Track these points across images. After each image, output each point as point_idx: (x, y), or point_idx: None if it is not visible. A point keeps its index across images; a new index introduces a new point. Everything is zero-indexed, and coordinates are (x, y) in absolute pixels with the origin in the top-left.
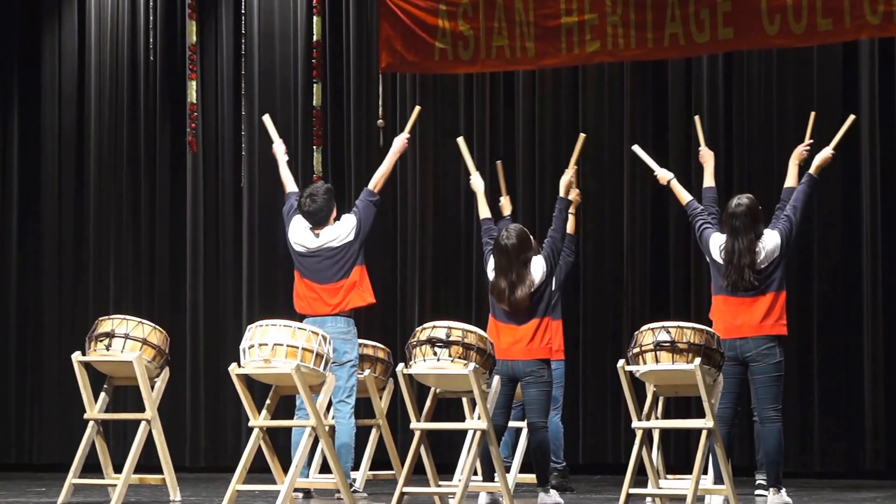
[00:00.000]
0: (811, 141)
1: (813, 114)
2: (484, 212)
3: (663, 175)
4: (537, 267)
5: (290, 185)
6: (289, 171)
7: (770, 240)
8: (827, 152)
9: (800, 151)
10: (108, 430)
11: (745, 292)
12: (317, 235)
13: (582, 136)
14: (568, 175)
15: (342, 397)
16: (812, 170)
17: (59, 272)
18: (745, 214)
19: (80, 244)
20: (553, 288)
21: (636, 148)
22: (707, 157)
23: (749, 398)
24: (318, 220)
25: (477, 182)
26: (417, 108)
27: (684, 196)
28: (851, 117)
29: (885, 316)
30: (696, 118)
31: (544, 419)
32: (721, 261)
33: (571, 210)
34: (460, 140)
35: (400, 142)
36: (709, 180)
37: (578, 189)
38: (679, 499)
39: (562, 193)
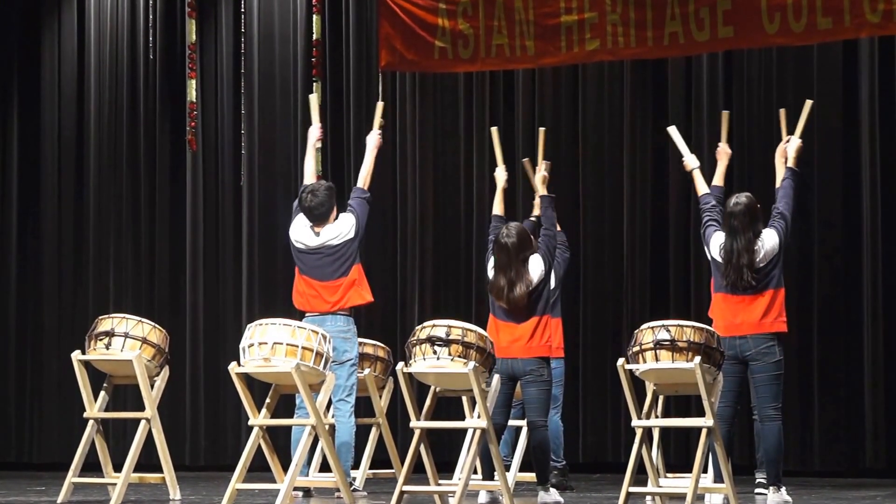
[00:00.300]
0: (789, 136)
1: (783, 110)
2: (497, 208)
3: (689, 162)
4: (536, 265)
5: (307, 177)
6: (313, 161)
7: (769, 238)
8: (796, 142)
9: (782, 149)
10: (107, 429)
11: (744, 291)
12: (317, 234)
13: (542, 129)
14: (541, 171)
15: (342, 396)
16: (790, 163)
17: (59, 272)
18: (744, 214)
19: (79, 244)
20: (552, 286)
21: (671, 129)
22: (723, 154)
23: (749, 397)
24: (317, 216)
25: (499, 175)
26: (381, 104)
27: (701, 188)
28: (809, 102)
29: (886, 316)
30: (725, 113)
31: (544, 418)
32: (721, 260)
33: None
34: (493, 130)
35: (374, 139)
36: (718, 179)
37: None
38: (679, 497)
39: (542, 192)
